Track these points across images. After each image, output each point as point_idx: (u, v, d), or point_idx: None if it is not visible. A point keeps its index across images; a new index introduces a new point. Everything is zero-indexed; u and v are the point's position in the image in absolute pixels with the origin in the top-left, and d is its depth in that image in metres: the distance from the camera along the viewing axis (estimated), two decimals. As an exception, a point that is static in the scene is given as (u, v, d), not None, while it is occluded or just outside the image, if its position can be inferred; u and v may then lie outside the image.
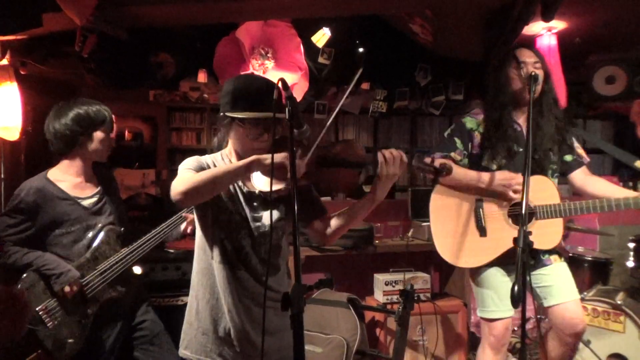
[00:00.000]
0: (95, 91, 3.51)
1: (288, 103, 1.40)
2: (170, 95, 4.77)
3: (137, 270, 2.89)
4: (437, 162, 1.54)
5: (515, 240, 1.73)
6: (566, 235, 3.05)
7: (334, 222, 1.72)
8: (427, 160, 1.53)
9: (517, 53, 2.26)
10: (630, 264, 3.26)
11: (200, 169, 1.64)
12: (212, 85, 3.90)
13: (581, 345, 2.96)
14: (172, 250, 3.10)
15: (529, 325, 3.17)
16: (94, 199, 2.32)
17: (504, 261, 2.23)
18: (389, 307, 3.27)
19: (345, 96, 1.60)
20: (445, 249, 2.33)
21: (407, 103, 4.20)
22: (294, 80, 3.43)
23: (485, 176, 2.23)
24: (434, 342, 3.32)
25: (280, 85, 1.42)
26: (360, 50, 3.53)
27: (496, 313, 2.29)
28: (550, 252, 2.29)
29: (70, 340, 2.18)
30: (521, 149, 2.22)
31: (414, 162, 1.52)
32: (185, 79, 3.84)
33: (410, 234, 3.77)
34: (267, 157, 1.47)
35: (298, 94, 3.47)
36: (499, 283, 2.26)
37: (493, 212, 2.27)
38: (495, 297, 2.27)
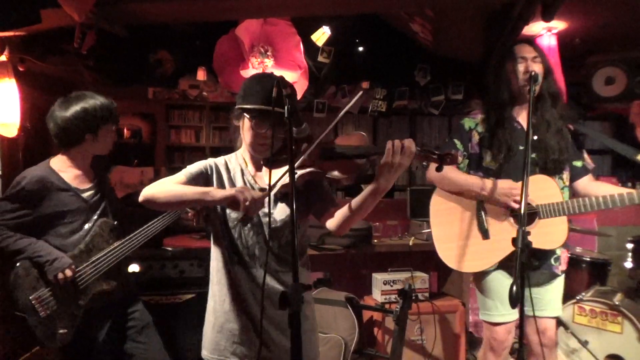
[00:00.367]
0: (94, 88, 3.50)
1: (287, 101, 1.40)
2: (169, 93, 4.77)
3: (135, 268, 2.89)
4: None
5: (514, 240, 1.71)
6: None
7: (341, 213, 1.67)
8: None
9: (516, 49, 2.22)
10: (629, 264, 3.27)
11: (198, 174, 1.66)
12: (211, 83, 3.90)
13: (579, 346, 2.97)
14: (170, 248, 3.09)
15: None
16: (92, 192, 2.33)
17: (508, 264, 2.18)
18: (387, 306, 3.27)
19: (344, 110, 1.59)
20: (447, 254, 2.28)
21: (407, 102, 4.21)
22: (294, 78, 3.43)
23: (486, 184, 2.18)
24: (431, 342, 3.32)
25: (281, 83, 1.44)
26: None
27: (499, 317, 2.24)
28: (557, 259, 2.23)
29: (61, 331, 2.19)
30: (522, 147, 2.19)
31: (417, 149, 1.48)
32: (184, 77, 3.84)
33: (412, 237, 3.75)
34: (217, 193, 1.55)
35: (297, 93, 3.47)
36: (503, 286, 2.20)
37: (495, 214, 2.22)
38: (498, 301, 2.22)
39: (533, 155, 2.18)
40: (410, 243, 3.53)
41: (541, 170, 2.18)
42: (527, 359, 2.30)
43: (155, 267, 2.96)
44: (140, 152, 5.53)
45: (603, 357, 2.92)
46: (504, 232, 2.18)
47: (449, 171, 2.22)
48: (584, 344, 2.95)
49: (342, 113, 1.57)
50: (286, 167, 1.59)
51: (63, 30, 2.75)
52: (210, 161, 1.74)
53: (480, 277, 2.29)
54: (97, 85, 3.41)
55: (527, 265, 1.70)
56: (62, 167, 2.27)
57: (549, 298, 2.23)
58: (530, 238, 1.74)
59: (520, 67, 2.17)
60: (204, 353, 1.76)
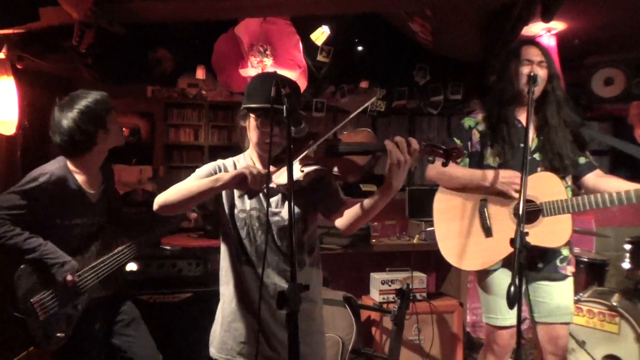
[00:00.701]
0: (92, 86, 3.50)
1: (286, 100, 1.41)
2: (168, 92, 4.75)
3: (133, 267, 2.89)
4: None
5: (512, 241, 1.70)
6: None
7: (351, 213, 1.66)
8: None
9: (523, 50, 2.18)
10: (626, 265, 3.27)
11: (207, 175, 1.65)
12: (211, 82, 3.89)
13: (576, 346, 2.97)
14: (168, 247, 3.09)
15: (524, 326, 3.18)
16: (99, 196, 2.32)
17: (511, 262, 2.17)
18: (385, 306, 3.27)
19: (349, 117, 1.59)
20: (449, 251, 2.25)
21: (406, 102, 4.20)
22: (293, 78, 3.42)
23: (488, 174, 2.16)
24: (429, 342, 3.32)
25: (280, 82, 1.45)
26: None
27: (502, 320, 2.19)
28: (564, 259, 2.20)
29: (59, 334, 2.19)
30: (523, 145, 2.18)
31: (423, 144, 1.48)
32: (183, 76, 3.83)
33: (416, 236, 3.74)
34: (224, 176, 1.55)
35: (297, 92, 3.46)
36: (506, 288, 2.17)
37: (498, 212, 2.19)
38: (502, 303, 2.07)
39: (536, 156, 2.18)
40: (415, 241, 3.50)
41: (546, 170, 2.16)
42: None
43: (153, 266, 2.96)
44: (138, 151, 5.51)
45: (600, 358, 2.92)
46: (506, 231, 2.15)
47: (449, 167, 2.22)
48: (582, 344, 2.95)
49: (354, 113, 1.57)
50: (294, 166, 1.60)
51: (62, 28, 2.74)
52: (219, 162, 1.75)
53: (483, 276, 2.26)
54: (96, 83, 3.40)
55: (524, 265, 1.70)
56: (79, 168, 2.24)
57: (557, 302, 2.18)
58: (533, 236, 1.72)
59: (524, 70, 2.13)
60: (212, 351, 1.76)
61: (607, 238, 3.89)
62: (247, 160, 1.77)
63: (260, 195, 1.67)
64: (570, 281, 2.22)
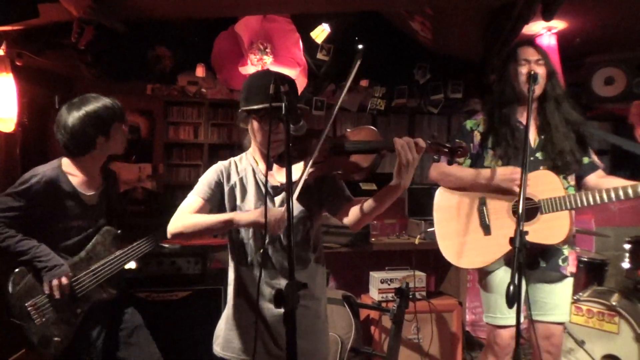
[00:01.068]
0: (91, 84, 3.49)
1: (284, 98, 1.40)
2: (168, 89, 4.75)
3: (131, 265, 2.88)
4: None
5: (512, 239, 1.70)
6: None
7: (358, 210, 1.66)
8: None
9: (519, 51, 2.21)
10: (626, 265, 3.27)
11: (214, 188, 1.69)
12: (210, 79, 3.88)
13: (575, 346, 2.97)
14: (167, 245, 3.08)
15: (523, 325, 3.18)
16: (97, 198, 2.29)
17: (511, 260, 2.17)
18: (384, 305, 3.27)
19: (344, 91, 1.59)
20: (448, 250, 2.26)
21: (406, 101, 4.19)
22: (293, 76, 3.40)
23: (489, 172, 2.17)
24: (428, 341, 3.32)
25: (279, 80, 1.45)
26: (360, 47, 3.51)
27: (503, 320, 2.19)
28: (566, 259, 2.19)
29: (56, 339, 2.15)
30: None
31: (428, 142, 1.48)
32: (183, 73, 3.82)
33: (418, 237, 3.72)
34: (240, 219, 1.59)
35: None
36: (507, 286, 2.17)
37: (497, 210, 2.20)
38: (502, 302, 2.02)
39: (539, 155, 2.18)
40: (417, 242, 3.49)
41: (548, 169, 2.16)
42: None
43: (152, 264, 2.95)
44: (138, 149, 5.51)
45: (599, 357, 2.92)
46: (505, 229, 2.15)
47: (452, 168, 2.22)
48: (581, 344, 2.95)
49: (344, 90, 1.56)
50: (298, 164, 1.59)
51: (61, 25, 2.74)
52: (220, 166, 1.75)
53: (484, 275, 2.26)
54: (95, 80, 3.40)
55: (524, 264, 1.69)
56: (72, 170, 2.23)
57: (556, 302, 2.19)
58: (531, 233, 1.72)
59: (523, 70, 2.16)
60: (216, 349, 1.77)
61: (607, 238, 3.89)
62: (250, 160, 1.76)
63: (263, 193, 1.68)
64: (570, 281, 2.22)
